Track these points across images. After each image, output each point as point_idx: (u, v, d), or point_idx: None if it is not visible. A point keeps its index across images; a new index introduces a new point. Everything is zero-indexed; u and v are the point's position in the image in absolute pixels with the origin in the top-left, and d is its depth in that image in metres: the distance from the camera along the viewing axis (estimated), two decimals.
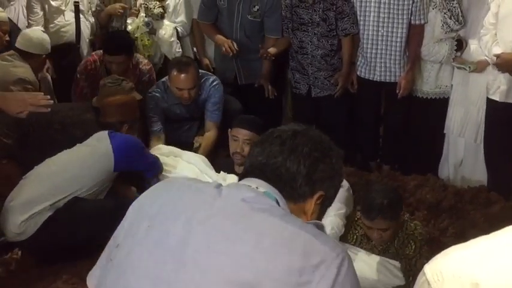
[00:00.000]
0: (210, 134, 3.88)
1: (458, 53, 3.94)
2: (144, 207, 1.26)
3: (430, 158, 4.24)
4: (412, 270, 2.76)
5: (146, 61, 4.29)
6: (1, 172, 3.27)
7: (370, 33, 4.04)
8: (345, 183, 2.90)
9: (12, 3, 4.73)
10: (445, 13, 3.89)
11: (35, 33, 4.26)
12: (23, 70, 3.91)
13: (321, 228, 1.19)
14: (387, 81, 4.11)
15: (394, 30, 4.00)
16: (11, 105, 2.63)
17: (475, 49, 3.86)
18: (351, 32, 4.10)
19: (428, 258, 1.10)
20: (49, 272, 2.84)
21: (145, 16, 4.58)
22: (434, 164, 4.22)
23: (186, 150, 4.20)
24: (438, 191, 3.70)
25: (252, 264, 1.08)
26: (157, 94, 3.90)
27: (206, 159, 3.32)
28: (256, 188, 1.24)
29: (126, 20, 4.74)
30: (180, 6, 4.69)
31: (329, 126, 4.38)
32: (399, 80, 4.05)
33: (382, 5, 3.97)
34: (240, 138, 3.15)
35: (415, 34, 4.00)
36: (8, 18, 4.39)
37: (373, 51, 4.07)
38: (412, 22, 3.97)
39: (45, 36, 4.33)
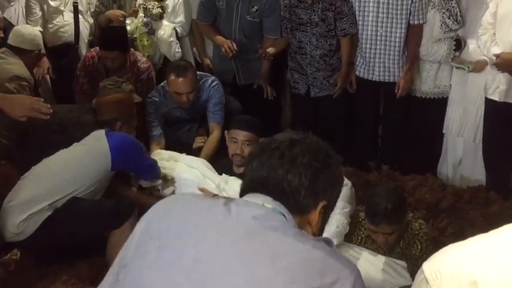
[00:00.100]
0: (213, 135, 3.86)
1: (457, 53, 3.95)
2: (152, 227, 1.24)
3: (428, 157, 4.24)
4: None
5: (145, 59, 4.27)
6: (0, 172, 3.27)
7: (369, 33, 4.05)
8: (347, 182, 2.90)
9: (12, 3, 4.73)
10: (443, 13, 3.90)
11: (27, 29, 4.27)
12: (17, 67, 3.91)
13: (331, 244, 1.20)
14: (386, 81, 4.11)
15: (393, 30, 4.00)
16: (15, 108, 2.67)
17: (474, 49, 3.86)
18: (349, 32, 4.10)
19: None
20: (48, 273, 2.84)
21: (144, 16, 4.57)
22: (433, 164, 4.23)
23: (186, 151, 4.23)
24: (437, 191, 3.70)
25: (269, 285, 1.08)
26: (157, 99, 3.88)
27: (207, 162, 3.29)
28: (263, 204, 1.23)
29: (125, 21, 4.74)
30: (179, 7, 4.69)
31: (328, 126, 4.40)
32: (398, 80, 4.06)
33: (380, 5, 3.97)
34: (239, 140, 3.13)
35: (413, 34, 4.00)
36: (4, 17, 4.38)
37: (372, 51, 4.08)
38: (411, 22, 3.98)
39: (37, 32, 4.34)
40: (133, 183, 3.32)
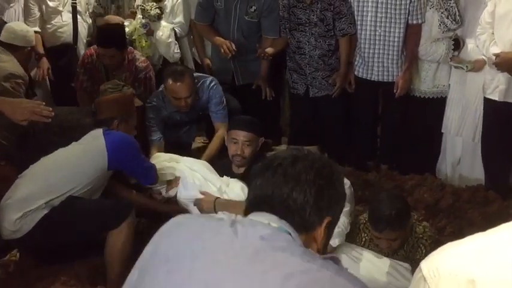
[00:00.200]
0: (218, 134, 3.83)
1: (456, 53, 3.95)
2: (159, 251, 1.24)
3: (427, 157, 4.25)
4: None
5: (143, 59, 4.26)
6: (0, 174, 3.27)
7: (368, 33, 4.05)
8: (346, 181, 2.88)
9: (11, 5, 4.73)
10: (442, 12, 3.90)
11: (19, 26, 4.26)
12: (11, 64, 3.90)
13: (338, 262, 1.20)
14: (385, 80, 4.12)
15: (392, 30, 4.01)
16: (16, 112, 2.68)
17: (472, 48, 3.87)
18: (348, 32, 4.10)
19: None
20: (47, 274, 2.84)
21: (143, 18, 4.57)
22: (432, 164, 4.23)
23: (185, 152, 4.23)
24: (436, 191, 3.70)
25: None
26: (156, 104, 3.87)
27: (208, 164, 3.26)
28: (269, 223, 1.23)
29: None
30: (178, 7, 4.69)
31: (327, 126, 4.41)
32: (397, 80, 4.06)
33: (379, 5, 3.97)
34: (240, 140, 3.12)
35: (412, 34, 4.01)
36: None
37: (371, 51, 4.08)
38: (410, 22, 3.98)
39: (29, 29, 4.33)
40: (133, 181, 3.32)
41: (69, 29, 4.73)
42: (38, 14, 4.61)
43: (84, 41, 4.88)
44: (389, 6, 3.96)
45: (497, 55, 3.55)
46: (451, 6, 3.88)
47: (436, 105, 4.11)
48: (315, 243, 1.29)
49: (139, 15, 4.60)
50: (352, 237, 2.88)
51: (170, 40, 4.63)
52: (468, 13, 3.92)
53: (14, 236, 2.80)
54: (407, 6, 3.94)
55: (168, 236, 1.27)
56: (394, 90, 4.06)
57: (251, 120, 3.29)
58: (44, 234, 2.77)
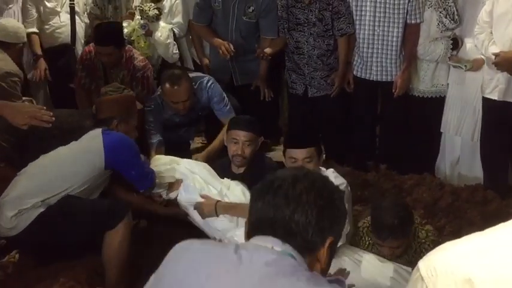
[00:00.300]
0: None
1: (454, 52, 3.95)
2: (164, 280, 1.24)
3: (426, 157, 4.24)
4: None
5: (142, 58, 4.24)
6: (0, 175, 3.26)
7: (366, 32, 4.05)
8: (343, 181, 2.88)
9: (10, 6, 4.73)
10: (440, 12, 3.91)
11: (9, 23, 4.26)
12: (6, 63, 3.88)
13: (343, 285, 1.21)
14: (383, 80, 4.12)
15: (390, 29, 4.01)
16: (16, 116, 2.69)
17: (471, 48, 3.87)
18: (347, 32, 4.10)
19: None
20: (46, 275, 2.83)
21: (141, 18, 4.57)
22: (431, 163, 4.23)
23: (184, 152, 4.23)
24: (435, 190, 3.70)
25: None
26: (155, 107, 3.87)
27: (209, 167, 3.24)
28: (272, 247, 1.24)
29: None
30: (176, 7, 4.69)
31: (326, 126, 4.41)
32: (395, 79, 4.06)
33: (378, 5, 3.97)
34: (240, 140, 3.11)
35: (410, 33, 4.01)
36: None
37: (369, 50, 4.08)
38: (408, 21, 3.98)
39: (20, 25, 4.34)
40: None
41: (67, 29, 4.73)
42: (35, 15, 4.61)
43: (82, 41, 4.87)
44: (387, 6, 3.96)
45: (496, 54, 3.54)
46: (450, 6, 3.88)
47: (435, 104, 4.10)
48: (319, 263, 1.29)
49: (137, 16, 4.60)
50: (355, 241, 2.86)
51: (169, 41, 4.63)
52: (466, 12, 3.92)
53: (10, 233, 2.80)
54: (406, 6, 3.94)
55: (173, 265, 1.27)
56: (393, 90, 4.06)
57: (251, 120, 3.29)
58: (39, 232, 2.77)
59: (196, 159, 3.65)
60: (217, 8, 4.25)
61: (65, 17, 4.72)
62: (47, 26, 4.68)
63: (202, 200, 3.00)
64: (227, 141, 3.19)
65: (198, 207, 2.99)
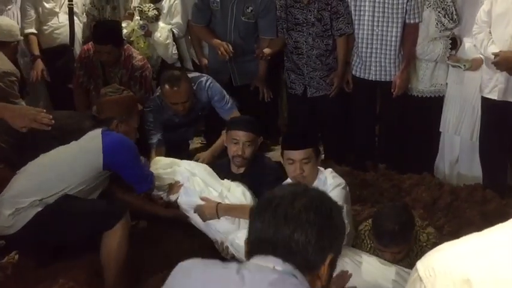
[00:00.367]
0: None
1: (453, 51, 3.96)
2: None
3: (425, 156, 4.25)
4: None
5: (140, 57, 4.24)
6: None
7: (365, 32, 4.05)
8: (342, 181, 2.87)
9: (9, 7, 4.74)
10: (439, 12, 3.91)
11: (3, 21, 4.26)
12: (2, 62, 3.88)
13: None
14: (382, 80, 4.12)
15: (389, 29, 4.01)
16: (16, 119, 2.70)
17: (470, 47, 3.88)
18: (346, 32, 4.11)
19: None
20: (46, 276, 2.84)
21: (140, 19, 4.56)
22: (430, 163, 4.23)
23: (183, 153, 4.23)
24: (434, 190, 3.70)
25: None
26: (154, 108, 3.85)
27: (209, 169, 3.22)
28: (274, 267, 1.24)
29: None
30: (175, 8, 4.69)
31: (325, 126, 4.41)
32: (394, 79, 4.06)
33: (376, 5, 3.98)
34: (240, 141, 3.09)
35: (409, 33, 4.01)
36: None
37: (368, 50, 4.08)
38: (407, 21, 3.98)
39: (14, 23, 4.34)
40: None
41: (65, 30, 4.72)
42: (34, 16, 4.60)
43: (81, 42, 4.87)
44: (386, 5, 3.96)
45: (496, 54, 3.54)
46: (448, 5, 3.89)
47: (434, 104, 4.11)
48: (319, 280, 1.30)
49: (137, 17, 4.59)
50: (356, 244, 2.86)
51: (168, 41, 4.63)
52: (465, 12, 3.93)
53: (7, 232, 2.79)
54: (405, 6, 3.94)
55: (176, 286, 1.28)
56: (392, 90, 4.06)
57: (250, 120, 3.29)
58: (37, 231, 2.76)
59: (200, 159, 3.64)
60: (215, 9, 4.25)
61: (63, 18, 4.71)
62: (45, 27, 4.68)
63: (202, 202, 2.98)
64: (227, 141, 3.18)
65: (198, 209, 2.97)
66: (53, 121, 2.71)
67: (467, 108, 3.97)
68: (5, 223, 2.77)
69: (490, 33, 3.63)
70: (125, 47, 4.21)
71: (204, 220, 2.94)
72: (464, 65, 3.84)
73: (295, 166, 2.81)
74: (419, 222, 2.88)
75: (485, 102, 3.75)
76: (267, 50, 4.21)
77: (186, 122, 4.05)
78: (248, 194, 3.00)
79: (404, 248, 2.64)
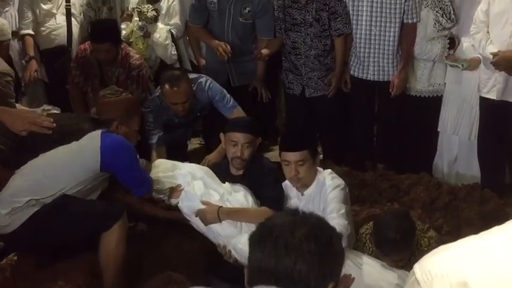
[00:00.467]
0: None
1: (451, 51, 3.97)
2: None
3: (424, 156, 4.25)
4: None
5: (138, 56, 4.22)
6: None
7: (363, 32, 4.05)
8: (341, 182, 2.87)
9: (6, 9, 4.74)
10: (437, 11, 3.91)
11: None
12: None
13: None
14: (380, 80, 4.12)
15: (387, 29, 4.01)
16: (16, 122, 2.70)
17: (468, 47, 3.88)
18: (344, 32, 4.11)
19: None
20: (45, 278, 2.83)
21: (139, 20, 4.56)
22: (429, 163, 4.24)
23: (182, 153, 4.23)
24: (432, 190, 3.70)
25: None
26: (154, 109, 3.84)
27: (210, 171, 3.17)
28: None
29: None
30: (173, 9, 4.69)
31: (323, 127, 4.41)
32: (392, 79, 4.07)
33: (374, 5, 3.98)
34: (239, 142, 3.04)
35: (407, 33, 4.01)
36: None
37: (366, 50, 4.08)
38: (405, 21, 3.99)
39: (4, 21, 4.33)
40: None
41: (63, 31, 4.71)
42: (31, 17, 4.59)
43: (78, 43, 4.85)
44: (384, 5, 3.96)
45: (495, 54, 3.54)
46: (446, 5, 3.89)
47: (432, 104, 4.12)
48: None
49: (135, 18, 4.59)
50: (358, 247, 2.85)
51: (167, 42, 4.63)
52: (463, 11, 3.94)
53: (4, 231, 2.78)
54: (402, 6, 3.94)
55: None
56: (390, 90, 4.07)
57: (249, 121, 3.26)
58: (34, 231, 2.75)
59: (207, 160, 3.62)
60: (212, 9, 4.24)
61: (60, 19, 4.71)
62: (43, 28, 4.67)
63: (203, 206, 2.95)
64: (225, 143, 3.14)
65: (200, 213, 2.94)
66: (54, 124, 2.70)
67: (466, 107, 3.97)
68: (1, 222, 2.76)
69: (488, 33, 3.63)
70: (122, 46, 4.21)
71: (205, 224, 2.91)
72: (462, 65, 3.85)
73: (290, 167, 2.82)
74: (420, 225, 2.87)
75: (484, 102, 3.75)
76: (265, 51, 4.21)
77: (185, 122, 4.04)
78: (250, 197, 2.98)
79: (406, 255, 2.63)
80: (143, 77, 4.17)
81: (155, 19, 4.57)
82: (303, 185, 2.90)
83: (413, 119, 4.19)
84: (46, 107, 4.28)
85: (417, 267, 1.04)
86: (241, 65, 4.33)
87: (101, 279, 2.83)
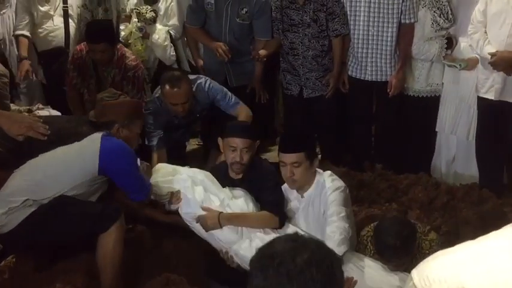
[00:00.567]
0: (244, 115, 3.80)
1: (449, 51, 3.97)
2: None
3: (422, 156, 4.26)
4: None
5: (133, 57, 4.22)
6: None
7: (361, 32, 4.06)
8: (341, 184, 2.86)
9: (4, 11, 4.73)
10: (434, 11, 3.92)
11: None
12: None
13: None
14: (378, 80, 4.13)
15: (385, 29, 4.02)
16: (13, 126, 2.70)
17: (465, 47, 3.89)
18: (341, 33, 4.11)
19: None
20: (43, 280, 2.83)
21: (138, 21, 4.55)
22: (427, 162, 4.24)
23: (180, 154, 4.23)
24: (430, 190, 3.70)
25: None
26: (153, 110, 3.83)
27: (211, 175, 3.15)
28: None
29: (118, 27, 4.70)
30: (172, 9, 4.68)
31: (321, 127, 4.41)
32: (390, 79, 4.07)
33: (372, 5, 3.98)
34: (238, 147, 3.01)
35: (405, 33, 4.02)
36: None
37: (364, 50, 4.09)
38: (402, 21, 3.99)
39: None
40: None
41: (60, 33, 4.69)
42: (27, 19, 4.57)
43: (76, 44, 4.85)
44: (381, 6, 3.97)
45: (493, 54, 3.54)
46: (444, 5, 3.90)
47: (430, 104, 4.12)
48: None
49: (134, 19, 4.58)
50: (360, 250, 2.85)
51: (166, 43, 4.63)
52: (460, 11, 3.94)
53: (1, 231, 2.76)
54: (400, 6, 3.95)
55: None
56: (388, 90, 4.07)
57: (247, 126, 3.25)
58: (31, 231, 2.74)
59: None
60: (210, 10, 4.24)
61: (58, 21, 4.68)
62: (40, 30, 4.65)
63: (204, 212, 2.94)
64: (224, 148, 3.10)
65: (201, 219, 2.93)
66: (49, 131, 2.69)
67: (463, 107, 3.98)
68: None
69: (486, 33, 3.63)
70: (118, 46, 4.20)
71: (206, 230, 2.89)
72: (460, 65, 3.85)
73: (286, 169, 2.82)
74: (420, 228, 2.86)
75: (482, 102, 3.75)
76: (262, 52, 4.21)
77: (185, 123, 4.04)
78: (250, 202, 2.97)
79: (407, 260, 2.63)
80: (139, 78, 4.16)
81: (154, 20, 4.57)
82: (298, 187, 2.89)
83: (412, 119, 4.19)
84: (41, 105, 4.28)
85: (415, 273, 1.05)
86: (239, 65, 4.33)
87: (99, 281, 2.83)
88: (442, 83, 4.08)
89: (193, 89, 3.77)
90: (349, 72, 4.21)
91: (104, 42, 4.01)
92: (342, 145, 4.48)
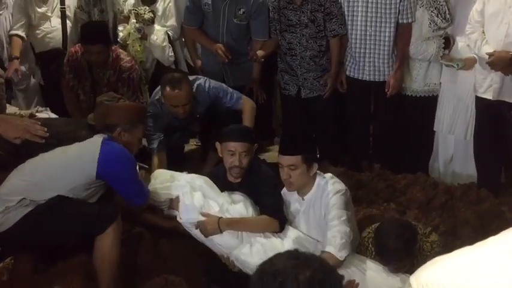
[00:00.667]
0: (248, 108, 3.81)
1: (446, 51, 3.97)
2: None
3: (420, 156, 4.26)
4: None
5: (128, 59, 4.22)
6: None
7: (358, 32, 4.05)
8: (342, 187, 2.83)
9: (0, 12, 4.71)
10: (432, 11, 3.92)
11: None
12: None
13: None
14: (376, 80, 4.13)
15: (382, 29, 4.01)
16: (10, 129, 2.68)
17: (463, 46, 3.89)
18: (339, 33, 4.11)
19: None
20: (41, 281, 2.83)
21: (136, 22, 4.54)
22: (425, 162, 4.24)
23: (179, 154, 4.22)
24: (429, 189, 3.71)
25: None
26: (154, 112, 3.82)
27: (210, 181, 3.14)
28: None
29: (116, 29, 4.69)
30: (169, 10, 4.67)
31: (319, 127, 4.41)
32: (388, 79, 4.07)
33: (369, 5, 3.98)
34: (237, 152, 3.00)
35: (402, 33, 4.01)
36: None
37: (362, 50, 4.09)
38: (400, 21, 3.99)
39: None
40: None
41: (58, 34, 4.69)
42: (24, 20, 4.56)
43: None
44: (379, 6, 3.97)
45: (491, 54, 3.54)
46: (441, 5, 3.90)
47: (428, 103, 4.12)
48: None
49: (133, 20, 4.57)
50: (361, 251, 2.84)
51: (165, 44, 4.62)
52: (458, 11, 3.94)
53: None
54: (398, 6, 3.95)
55: None
56: (386, 90, 4.07)
57: (245, 129, 3.24)
58: (27, 230, 2.72)
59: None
60: (207, 11, 4.23)
61: (55, 22, 4.69)
62: (38, 31, 4.65)
63: (203, 218, 2.93)
64: (222, 153, 3.08)
65: (200, 225, 2.92)
66: (48, 134, 2.68)
67: (461, 107, 3.98)
68: None
69: (483, 33, 3.63)
70: (113, 47, 4.20)
71: (206, 236, 2.88)
72: (458, 65, 3.85)
73: (283, 171, 2.81)
74: (421, 229, 2.84)
75: (480, 102, 3.76)
76: (260, 52, 4.20)
77: (185, 125, 4.03)
78: (249, 206, 2.97)
79: (408, 262, 2.63)
80: (133, 80, 4.16)
81: (152, 21, 4.56)
82: (297, 189, 2.88)
83: (409, 119, 4.19)
84: (40, 108, 4.28)
85: (413, 280, 1.05)
86: (237, 66, 4.33)
87: (97, 283, 2.83)
88: (440, 83, 4.08)
89: (194, 89, 3.76)
90: (347, 72, 4.21)
91: (99, 43, 4.01)
92: (340, 145, 4.48)
